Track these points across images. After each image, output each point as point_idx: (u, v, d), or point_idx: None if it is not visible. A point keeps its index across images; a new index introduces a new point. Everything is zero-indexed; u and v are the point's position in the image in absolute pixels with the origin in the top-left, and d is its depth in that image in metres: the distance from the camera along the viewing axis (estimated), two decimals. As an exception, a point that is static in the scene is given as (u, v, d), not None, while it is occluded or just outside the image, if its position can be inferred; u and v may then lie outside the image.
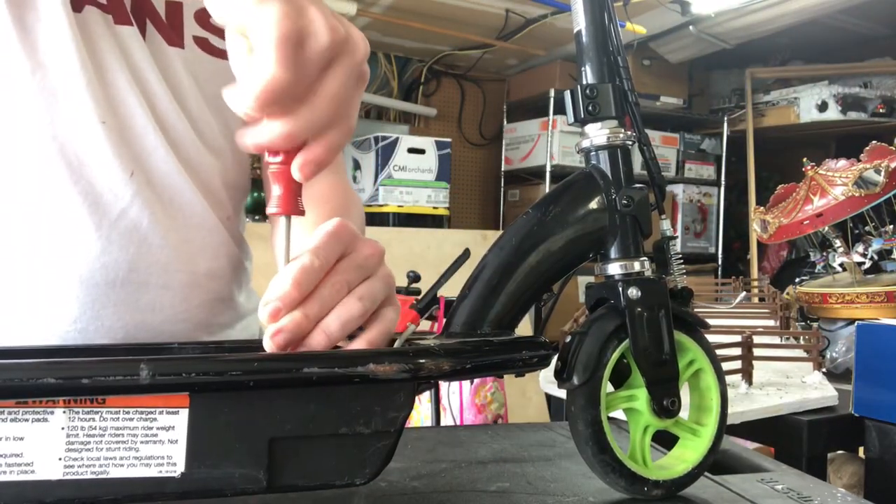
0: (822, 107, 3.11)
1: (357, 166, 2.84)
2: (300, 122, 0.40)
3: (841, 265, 1.48)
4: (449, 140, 2.88)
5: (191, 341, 0.52)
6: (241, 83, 0.39)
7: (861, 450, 1.15)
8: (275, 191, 0.42)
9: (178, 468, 0.38)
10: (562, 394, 0.84)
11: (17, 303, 0.59)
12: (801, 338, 1.17)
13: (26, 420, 0.37)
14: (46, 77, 0.58)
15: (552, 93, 3.05)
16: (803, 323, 1.42)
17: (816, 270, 1.67)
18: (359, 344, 0.44)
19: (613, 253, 0.48)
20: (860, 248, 1.48)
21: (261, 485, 0.39)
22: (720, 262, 3.52)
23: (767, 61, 3.51)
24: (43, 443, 0.37)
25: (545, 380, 1.14)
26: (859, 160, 1.41)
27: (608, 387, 0.48)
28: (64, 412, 0.37)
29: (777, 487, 0.53)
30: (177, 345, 0.50)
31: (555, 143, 3.07)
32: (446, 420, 1.59)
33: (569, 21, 0.59)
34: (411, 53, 3.26)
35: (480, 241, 2.62)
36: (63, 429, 0.37)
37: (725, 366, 1.03)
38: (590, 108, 0.48)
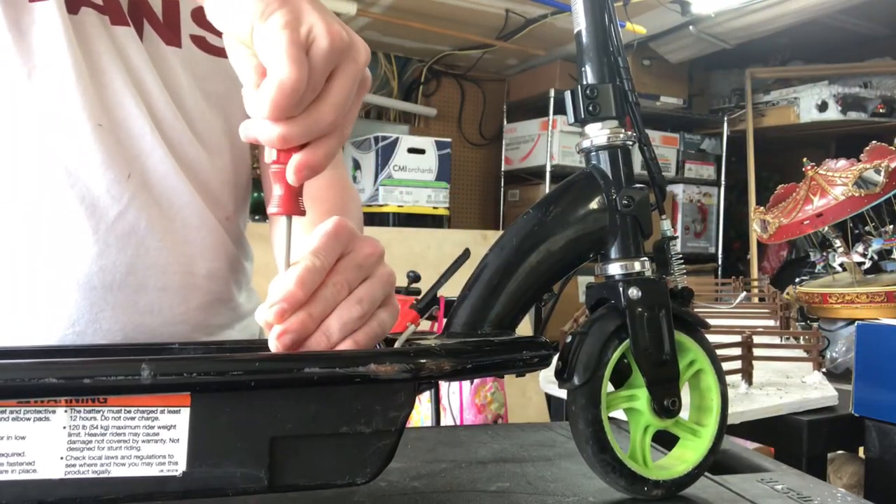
0: (822, 107, 3.11)
1: (357, 166, 2.84)
2: (298, 127, 0.40)
3: (841, 265, 1.48)
4: (449, 140, 2.88)
5: (191, 341, 0.52)
6: (251, 93, 0.40)
7: (861, 450, 1.15)
8: (275, 191, 0.42)
9: (180, 467, 0.38)
10: (562, 394, 0.84)
11: (15, 306, 0.59)
12: (801, 338, 1.17)
13: (28, 419, 0.37)
14: (42, 80, 0.58)
15: (552, 93, 3.05)
16: (803, 323, 1.42)
17: (816, 270, 1.67)
18: (345, 345, 0.44)
19: (614, 253, 0.48)
20: (860, 248, 1.48)
21: (262, 484, 0.39)
22: (720, 262, 3.52)
23: (767, 61, 3.51)
24: (45, 442, 0.37)
25: (545, 380, 1.14)
26: (859, 160, 1.41)
27: (608, 387, 0.48)
28: (65, 411, 0.37)
29: (777, 487, 0.53)
30: (178, 345, 0.50)
31: (555, 143, 3.07)
32: (446, 420, 1.59)
33: (569, 21, 0.59)
34: (411, 53, 3.26)
35: (480, 241, 2.62)
36: (65, 428, 0.37)
37: (725, 366, 1.02)
38: (590, 108, 0.48)
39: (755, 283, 2.09)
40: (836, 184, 1.37)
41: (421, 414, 1.59)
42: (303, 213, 0.43)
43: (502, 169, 3.39)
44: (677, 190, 3.44)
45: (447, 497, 0.49)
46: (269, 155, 0.41)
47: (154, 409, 0.38)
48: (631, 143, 0.49)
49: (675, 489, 0.49)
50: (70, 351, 0.51)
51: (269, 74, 0.38)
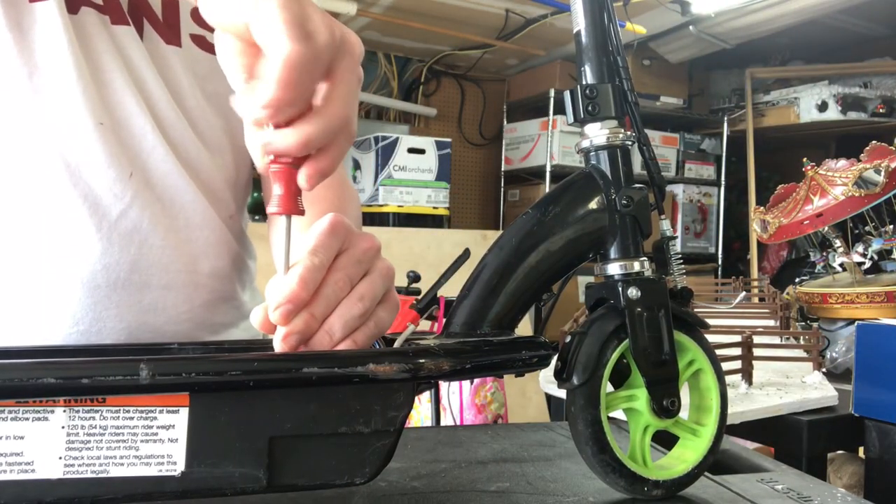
0: (822, 107, 3.11)
1: (357, 166, 2.84)
2: (317, 127, 0.40)
3: (841, 265, 1.48)
4: (449, 140, 2.88)
5: (191, 341, 0.52)
6: (245, 85, 0.39)
7: (861, 450, 1.15)
8: (275, 190, 0.42)
9: (179, 467, 0.38)
10: (562, 394, 0.84)
11: (18, 305, 0.59)
12: (801, 338, 1.17)
13: (27, 419, 0.37)
14: (43, 80, 0.58)
15: (552, 93, 3.05)
16: (803, 323, 1.42)
17: (816, 270, 1.67)
18: (343, 345, 0.44)
19: (613, 253, 0.48)
20: (860, 248, 1.48)
21: (261, 484, 0.39)
22: (720, 262, 3.52)
23: (767, 61, 3.51)
24: (43, 442, 0.37)
25: (545, 380, 1.14)
26: (859, 160, 1.41)
27: (608, 387, 0.48)
28: (64, 411, 0.37)
29: (777, 487, 0.53)
30: (177, 345, 0.50)
31: (555, 143, 3.07)
32: (446, 420, 1.59)
33: (569, 21, 0.59)
34: (411, 53, 3.26)
35: (480, 241, 2.62)
36: (63, 428, 0.37)
37: (725, 366, 1.03)
38: (589, 108, 0.48)
39: (755, 283, 2.09)
40: (836, 184, 1.37)
41: (421, 414, 1.59)
42: (302, 212, 0.43)
43: (502, 169, 3.39)
44: (677, 190, 3.44)
45: (447, 497, 0.49)
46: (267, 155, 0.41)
47: (153, 409, 0.38)
48: (630, 142, 0.49)
49: (675, 489, 0.49)
50: (69, 351, 0.51)
51: (272, 52, 0.38)
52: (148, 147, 0.62)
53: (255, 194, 0.82)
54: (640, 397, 0.49)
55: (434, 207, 2.81)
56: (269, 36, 0.38)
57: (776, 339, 1.23)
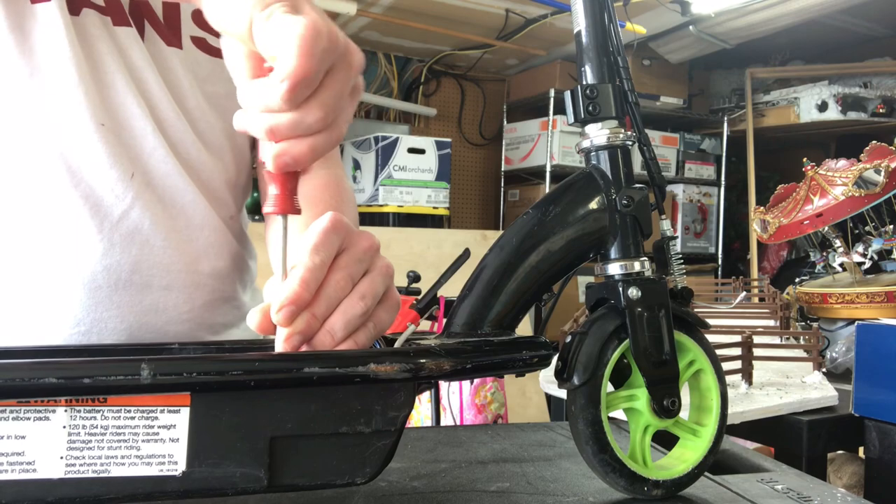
0: (822, 107, 3.12)
1: (357, 166, 2.84)
2: (286, 121, 0.39)
3: (841, 265, 1.48)
4: (449, 140, 2.88)
5: (192, 341, 0.52)
6: (253, 85, 0.39)
7: (861, 450, 1.15)
8: (271, 190, 0.42)
9: (180, 467, 0.38)
10: (562, 394, 0.84)
11: (20, 306, 0.59)
12: (801, 338, 1.17)
13: (28, 419, 0.37)
14: (44, 81, 0.58)
15: (552, 93, 3.05)
16: (803, 323, 1.42)
17: (816, 270, 1.67)
18: (344, 345, 0.44)
19: (613, 253, 0.48)
20: (860, 248, 1.48)
21: (261, 484, 0.39)
22: (720, 262, 3.52)
23: (767, 61, 3.51)
24: (44, 441, 0.37)
25: (545, 380, 1.14)
26: (859, 160, 1.41)
27: (608, 387, 0.48)
28: (65, 411, 0.37)
29: (777, 487, 0.53)
30: (178, 345, 0.50)
31: (555, 143, 3.07)
32: (446, 420, 1.59)
33: (569, 21, 0.59)
34: (411, 53, 3.26)
35: (480, 241, 2.62)
36: (64, 427, 0.37)
37: (725, 366, 1.03)
38: (590, 108, 0.48)
39: (755, 283, 2.09)
40: (836, 184, 1.37)
41: (421, 414, 1.59)
42: (298, 211, 0.42)
43: (502, 169, 3.39)
44: (677, 190, 3.44)
45: (447, 497, 0.49)
46: (266, 154, 0.41)
47: (154, 408, 0.38)
48: (630, 143, 0.49)
49: (675, 489, 0.49)
50: (70, 351, 0.51)
51: (282, 63, 0.38)
52: (149, 148, 0.62)
53: (255, 194, 0.82)
54: (640, 397, 0.49)
55: (434, 207, 2.82)
56: (275, 44, 0.38)
57: (776, 339, 1.24)
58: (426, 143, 2.81)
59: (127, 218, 0.60)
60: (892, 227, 1.47)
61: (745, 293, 1.61)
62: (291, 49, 0.37)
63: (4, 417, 0.36)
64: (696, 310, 1.40)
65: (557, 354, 0.48)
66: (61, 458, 0.37)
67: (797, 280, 1.62)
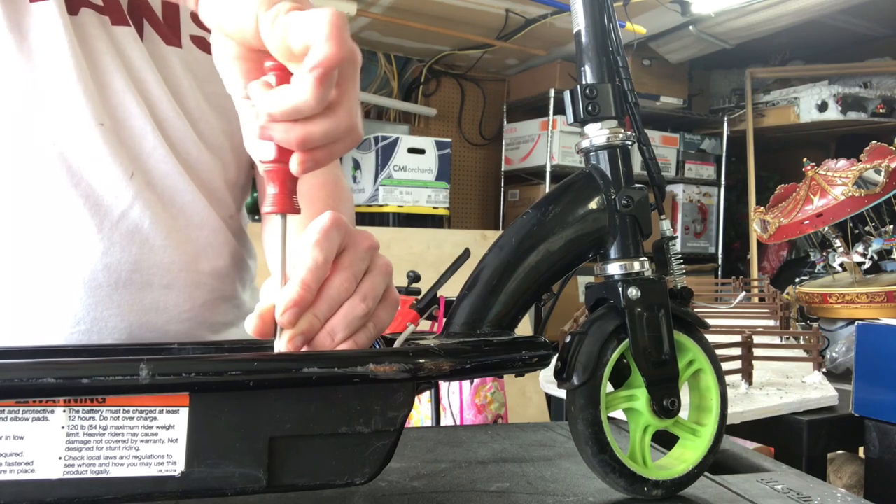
0: (822, 107, 3.11)
1: (357, 166, 2.84)
2: (321, 128, 0.39)
3: (841, 265, 1.48)
4: (449, 140, 2.88)
5: (191, 341, 0.52)
6: (259, 90, 0.39)
7: (861, 450, 1.14)
8: (269, 189, 0.42)
9: (178, 467, 0.38)
10: (562, 394, 0.84)
11: (21, 305, 0.59)
12: (801, 338, 1.17)
13: (26, 419, 0.37)
14: (43, 80, 0.58)
15: (552, 93, 3.05)
16: (803, 323, 1.42)
17: (816, 270, 1.67)
18: (344, 346, 0.44)
19: (613, 253, 0.48)
20: (860, 248, 1.48)
21: (261, 484, 0.39)
22: (720, 262, 3.52)
23: (767, 61, 3.51)
24: (43, 442, 0.37)
25: (545, 380, 1.14)
26: (859, 160, 1.41)
27: (608, 387, 0.48)
28: (64, 411, 0.37)
29: (777, 487, 0.53)
30: (177, 345, 0.50)
31: (555, 143, 3.07)
32: (446, 420, 1.59)
33: (569, 21, 0.59)
34: (411, 53, 3.26)
35: (480, 241, 2.62)
36: (63, 428, 0.37)
37: (725, 366, 1.03)
38: (589, 108, 0.48)
39: (755, 283, 2.09)
40: (836, 184, 1.37)
41: (421, 414, 1.59)
42: (297, 211, 0.42)
43: (502, 169, 3.39)
44: (677, 190, 3.44)
45: (447, 497, 0.49)
46: (267, 153, 0.41)
47: (153, 409, 0.38)
48: (630, 142, 0.49)
49: (675, 489, 0.49)
50: (68, 351, 0.51)
51: (314, 51, 0.37)
52: (148, 147, 0.62)
53: (254, 194, 0.82)
54: (640, 397, 0.49)
55: (434, 207, 2.81)
56: (298, 18, 0.38)
57: (776, 339, 1.23)
58: (426, 143, 2.81)
59: (127, 217, 0.60)
60: (892, 227, 1.47)
61: (744, 293, 1.61)
62: (323, 36, 0.37)
63: (3, 418, 0.36)
64: (696, 310, 1.40)
65: (557, 354, 0.48)
66: (60, 458, 0.37)
67: (797, 280, 1.62)
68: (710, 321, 1.40)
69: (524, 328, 1.84)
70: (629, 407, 0.50)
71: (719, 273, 3.45)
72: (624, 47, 0.50)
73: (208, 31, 0.67)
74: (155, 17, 0.65)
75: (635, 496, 0.49)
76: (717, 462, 0.63)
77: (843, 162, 1.45)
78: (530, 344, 0.44)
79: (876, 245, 1.47)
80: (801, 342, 1.16)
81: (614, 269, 0.48)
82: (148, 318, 0.62)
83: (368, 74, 3.17)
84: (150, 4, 0.65)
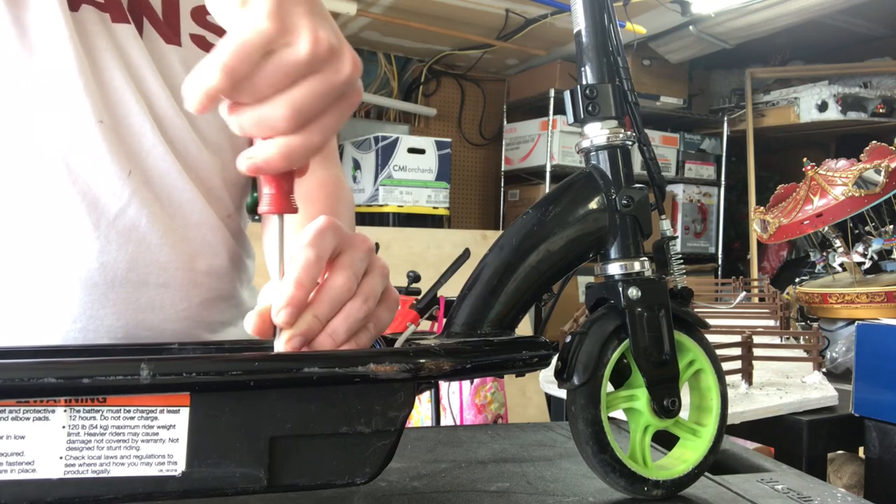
0: (822, 107, 3.11)
1: (357, 166, 2.84)
2: (247, 114, 0.39)
3: (841, 265, 1.48)
4: (449, 140, 2.88)
5: (191, 341, 0.52)
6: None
7: (861, 450, 1.15)
8: (266, 189, 0.42)
9: (179, 467, 0.38)
10: (562, 394, 0.84)
11: (16, 303, 0.59)
12: (801, 338, 1.17)
13: (27, 419, 0.37)
14: (43, 76, 0.58)
15: (552, 93, 3.05)
16: (803, 323, 1.42)
17: (816, 270, 1.67)
18: (346, 346, 0.44)
19: (613, 253, 0.48)
20: (860, 248, 1.48)
21: (261, 484, 0.39)
22: (720, 262, 3.52)
23: (767, 61, 3.51)
24: (44, 441, 0.37)
25: (545, 380, 1.14)
26: (859, 160, 1.41)
27: (608, 387, 0.48)
28: (65, 411, 0.37)
29: (777, 487, 0.53)
30: (177, 345, 0.50)
31: (555, 143, 3.07)
32: (446, 420, 1.59)
33: (569, 21, 0.59)
34: (411, 53, 3.26)
35: (480, 241, 2.62)
36: (64, 427, 0.37)
37: (725, 366, 1.03)
38: (589, 108, 0.48)
39: (755, 283, 2.09)
40: (836, 184, 1.37)
41: (421, 414, 1.59)
42: (295, 210, 0.42)
43: (502, 169, 3.39)
44: (677, 190, 3.44)
45: (447, 497, 0.49)
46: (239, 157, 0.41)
47: (153, 408, 0.38)
48: (630, 142, 0.49)
49: (675, 489, 0.49)
50: (69, 351, 0.51)
51: (219, 51, 0.37)
52: (147, 145, 0.62)
53: (254, 195, 0.83)
54: (640, 397, 0.49)
55: (434, 207, 2.82)
56: (236, 17, 0.38)
57: (776, 339, 1.23)
58: (426, 143, 2.81)
59: (124, 215, 0.60)
60: (892, 227, 1.47)
61: (744, 293, 1.61)
62: (227, 41, 0.37)
63: (4, 417, 0.36)
64: (695, 310, 1.40)
65: (557, 354, 0.48)
66: (61, 458, 0.37)
67: (797, 280, 1.62)
68: (710, 321, 1.40)
69: (524, 328, 1.84)
70: (629, 407, 0.50)
71: (719, 273, 3.45)
72: (624, 47, 0.50)
73: (209, 29, 0.67)
74: (155, 16, 0.65)
75: (635, 496, 0.49)
76: (717, 462, 0.63)
77: (843, 162, 1.45)
78: (531, 344, 0.44)
79: (876, 245, 1.47)
80: (801, 342, 1.16)
81: (614, 269, 0.48)
82: (144, 317, 0.62)
83: (368, 74, 3.17)
84: (150, 3, 0.65)
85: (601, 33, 0.49)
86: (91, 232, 0.59)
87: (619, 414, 0.51)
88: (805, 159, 1.46)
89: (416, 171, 2.77)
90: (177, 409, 0.38)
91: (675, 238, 0.50)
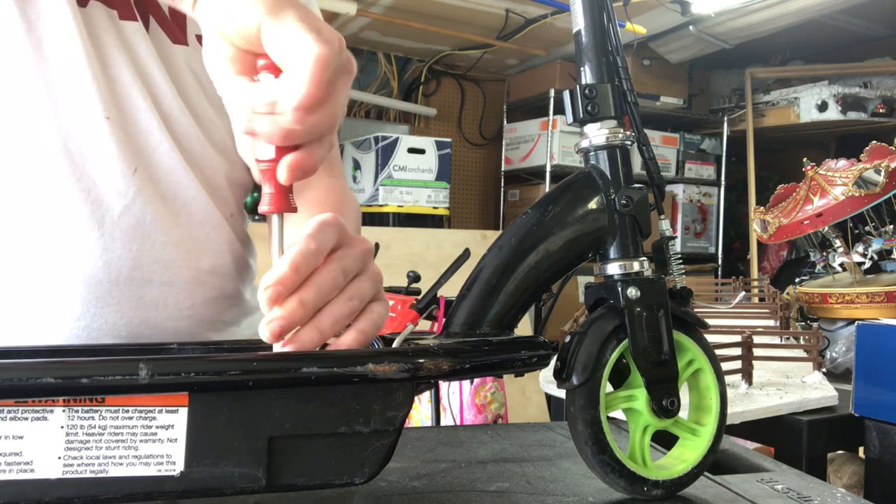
0: (822, 107, 3.11)
1: (357, 166, 2.84)
2: (303, 127, 0.40)
3: (841, 265, 1.48)
4: (449, 140, 2.88)
5: (191, 341, 0.52)
6: (256, 87, 0.40)
7: (861, 450, 1.14)
8: (266, 189, 0.42)
9: (178, 467, 0.38)
10: (562, 394, 0.84)
11: (19, 301, 0.59)
12: (801, 338, 1.17)
13: (26, 419, 0.37)
14: (51, 71, 0.58)
15: (552, 93, 3.05)
16: (803, 323, 1.42)
17: (816, 270, 1.67)
18: (350, 335, 0.44)
19: (612, 253, 0.48)
20: (860, 248, 1.48)
21: (260, 484, 0.39)
22: (720, 262, 3.52)
23: (767, 61, 3.51)
24: (42, 441, 0.37)
25: (545, 380, 1.14)
26: (859, 160, 1.41)
27: (608, 387, 0.48)
28: (63, 411, 0.37)
29: (777, 487, 0.53)
30: (176, 345, 0.50)
31: (555, 143, 3.07)
32: (446, 420, 1.58)
33: (569, 21, 0.59)
34: (411, 53, 3.26)
35: (480, 241, 2.62)
36: (62, 427, 0.37)
37: (725, 366, 1.03)
38: (589, 108, 0.48)
39: (755, 283, 2.09)
40: (836, 184, 1.37)
41: (421, 414, 1.59)
42: (294, 209, 0.43)
43: (502, 169, 3.39)
44: (677, 190, 3.44)
45: (447, 497, 0.49)
46: (265, 153, 0.41)
47: (152, 408, 0.38)
48: (630, 142, 0.49)
49: (675, 489, 0.49)
50: (68, 351, 0.51)
51: (300, 53, 0.39)
52: (153, 142, 0.62)
53: (255, 194, 0.83)
54: (639, 397, 0.49)
55: (434, 207, 2.81)
56: (294, 40, 0.39)
57: (776, 339, 1.24)
58: (426, 143, 2.81)
59: (128, 213, 0.60)
60: (892, 227, 1.47)
61: (744, 293, 1.60)
62: (305, 73, 0.38)
63: (2, 417, 0.36)
64: (695, 310, 1.40)
65: (557, 354, 0.48)
66: (59, 458, 0.37)
67: (797, 280, 1.62)
68: (710, 321, 1.40)
69: (524, 328, 1.83)
70: (629, 407, 0.50)
71: (719, 273, 3.45)
72: (624, 47, 0.50)
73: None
74: (162, 15, 0.65)
75: (635, 496, 0.49)
76: (717, 462, 0.63)
77: (843, 162, 1.45)
78: (530, 344, 0.44)
79: (876, 245, 1.47)
80: (801, 342, 1.16)
81: (614, 268, 0.48)
82: (148, 315, 0.62)
83: (368, 74, 3.17)
84: (159, 2, 0.65)
85: (600, 33, 0.49)
86: (95, 229, 0.59)
87: (618, 414, 0.51)
88: (805, 159, 1.46)
89: (416, 171, 2.77)
90: (175, 409, 0.38)
91: (674, 238, 0.50)
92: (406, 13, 2.72)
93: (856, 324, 0.99)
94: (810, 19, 2.75)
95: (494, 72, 3.48)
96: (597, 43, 0.49)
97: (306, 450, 0.40)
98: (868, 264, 1.47)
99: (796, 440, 0.96)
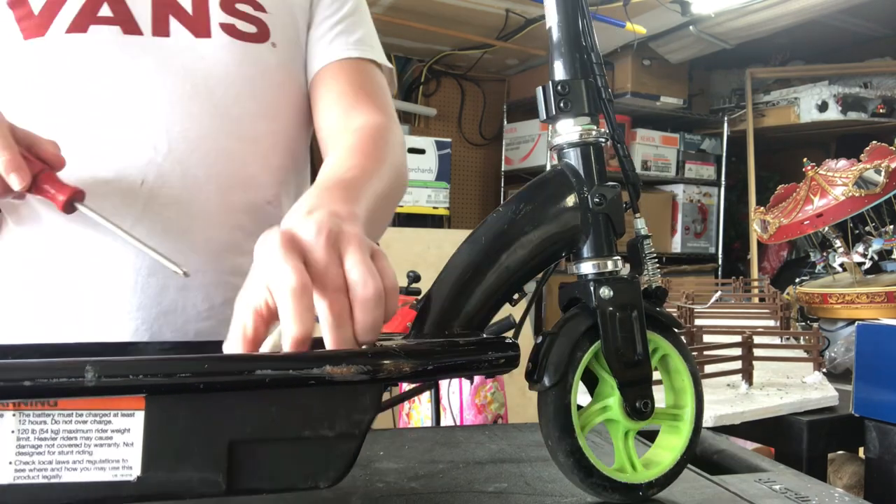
0: (822, 107, 3.09)
1: (356, 168, 2.83)
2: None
3: (841, 265, 1.47)
4: (449, 140, 2.87)
5: (156, 341, 0.52)
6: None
7: (861, 450, 1.13)
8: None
9: (134, 472, 0.37)
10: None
11: (23, 305, 0.61)
12: (801, 338, 1.16)
13: (-26, 424, 0.36)
14: (63, 88, 0.61)
15: (552, 93, 3.03)
16: (803, 323, 1.41)
17: (816, 270, 1.66)
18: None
19: (586, 252, 0.47)
20: (860, 248, 1.47)
21: (220, 488, 0.38)
22: (720, 262, 3.50)
23: (767, 61, 3.49)
24: (-8, 446, 0.36)
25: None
26: (859, 160, 1.40)
27: (583, 398, 0.47)
28: (13, 415, 0.36)
29: (775, 487, 0.52)
30: (142, 344, 0.49)
31: (555, 144, 3.06)
32: (446, 420, 1.58)
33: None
34: (411, 53, 3.26)
35: (480, 242, 2.61)
36: (13, 432, 0.36)
37: (726, 366, 1.02)
38: (561, 104, 0.47)
39: (755, 284, 2.08)
40: (836, 184, 1.36)
41: (421, 414, 1.58)
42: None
43: (502, 169, 3.38)
44: (677, 190, 3.43)
45: (445, 498, 0.49)
46: None
47: (107, 412, 0.37)
48: (604, 140, 0.48)
49: (669, 480, 0.48)
50: (21, 351, 0.50)
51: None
52: (164, 149, 0.62)
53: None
54: (613, 406, 0.48)
55: (434, 207, 2.81)
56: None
57: (776, 339, 1.23)
58: (426, 143, 2.80)
59: (140, 224, 0.61)
60: (892, 227, 1.46)
61: (719, 293, 1.58)
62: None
63: (-47, 422, 0.35)
64: (695, 310, 1.39)
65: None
66: (10, 463, 0.36)
67: (797, 280, 1.61)
68: (711, 321, 1.39)
69: (524, 328, 1.82)
70: (605, 419, 0.48)
71: (719, 273, 3.43)
72: (597, 43, 0.48)
73: (238, 17, 0.67)
74: (182, 12, 0.66)
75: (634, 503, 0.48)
76: (715, 462, 0.62)
77: (843, 162, 1.44)
78: (497, 345, 0.43)
79: (876, 245, 1.45)
80: (801, 342, 1.15)
81: (587, 268, 0.47)
82: (167, 320, 0.63)
83: (368, 76, 3.16)
84: (179, 2, 0.66)
85: (574, 29, 0.48)
86: (110, 240, 0.60)
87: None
88: (805, 159, 1.45)
89: (416, 171, 2.76)
90: (131, 412, 0.37)
91: (649, 237, 0.49)
92: (406, 13, 2.72)
93: (856, 324, 0.98)
94: (810, 19, 2.74)
95: (494, 72, 3.47)
96: (570, 39, 0.48)
97: (268, 454, 0.39)
98: (868, 264, 1.46)
99: (796, 440, 0.95)
